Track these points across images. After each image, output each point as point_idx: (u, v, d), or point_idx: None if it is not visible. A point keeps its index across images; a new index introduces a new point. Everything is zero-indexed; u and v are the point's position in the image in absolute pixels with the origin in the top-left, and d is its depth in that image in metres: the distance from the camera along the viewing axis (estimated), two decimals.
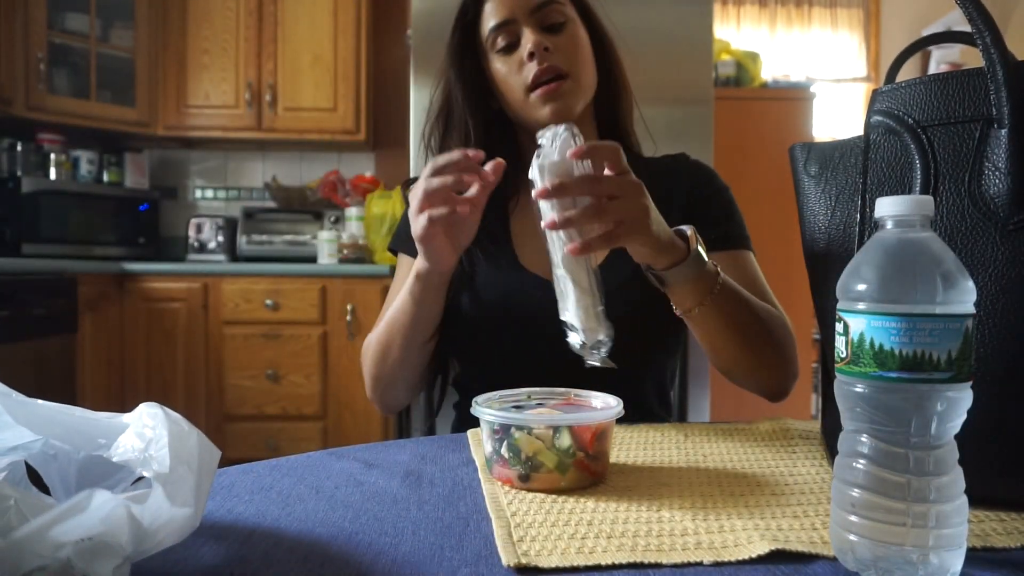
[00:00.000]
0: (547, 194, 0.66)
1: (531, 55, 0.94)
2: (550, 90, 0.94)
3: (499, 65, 0.98)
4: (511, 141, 1.04)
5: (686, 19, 2.29)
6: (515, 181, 1.00)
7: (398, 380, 0.98)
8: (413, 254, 0.95)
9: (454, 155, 0.75)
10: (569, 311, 0.68)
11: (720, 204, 1.03)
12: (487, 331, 0.96)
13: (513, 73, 0.97)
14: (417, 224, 0.78)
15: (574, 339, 0.68)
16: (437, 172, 0.76)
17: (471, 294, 0.98)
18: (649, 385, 1.01)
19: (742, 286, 0.86)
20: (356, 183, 3.24)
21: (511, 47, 0.97)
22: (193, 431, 0.45)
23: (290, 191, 3.41)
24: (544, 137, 0.71)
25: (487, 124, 1.01)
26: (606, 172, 0.70)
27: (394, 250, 1.09)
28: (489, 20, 0.98)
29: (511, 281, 0.98)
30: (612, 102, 1.06)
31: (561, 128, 0.70)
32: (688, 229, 0.77)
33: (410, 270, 0.91)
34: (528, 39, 0.94)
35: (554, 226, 0.67)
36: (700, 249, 0.76)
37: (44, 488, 0.47)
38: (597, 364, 0.68)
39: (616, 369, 0.70)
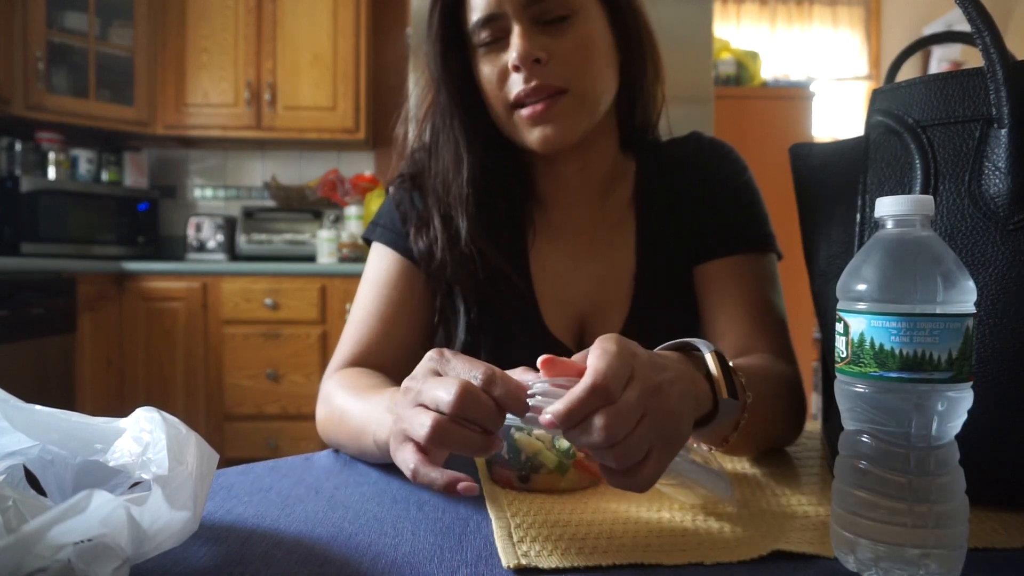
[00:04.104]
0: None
1: (516, 68, 0.74)
2: (536, 113, 0.74)
3: (483, 66, 0.77)
4: (517, 155, 0.84)
5: (686, 17, 2.29)
6: (529, 207, 0.85)
7: None
8: (392, 246, 0.85)
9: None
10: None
11: (732, 204, 0.84)
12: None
13: (495, 81, 0.76)
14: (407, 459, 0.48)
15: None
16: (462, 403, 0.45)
17: (487, 355, 0.81)
18: None
19: (738, 298, 0.80)
20: (355, 182, 3.23)
21: (499, 45, 0.76)
22: (191, 434, 0.45)
23: (289, 190, 3.41)
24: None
25: (486, 141, 0.81)
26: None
27: (368, 239, 0.89)
28: (473, 9, 0.76)
29: (534, 352, 0.80)
30: (638, 106, 0.85)
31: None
32: (710, 361, 0.55)
33: (388, 264, 0.84)
34: (515, 45, 0.73)
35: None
36: (725, 393, 0.55)
37: (42, 493, 0.47)
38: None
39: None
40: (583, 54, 0.75)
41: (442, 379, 0.47)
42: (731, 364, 0.56)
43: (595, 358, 0.44)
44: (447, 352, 0.50)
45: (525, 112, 0.75)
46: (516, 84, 0.74)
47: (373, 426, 0.61)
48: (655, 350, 0.55)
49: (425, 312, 0.85)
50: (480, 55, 0.78)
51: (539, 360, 0.47)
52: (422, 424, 0.45)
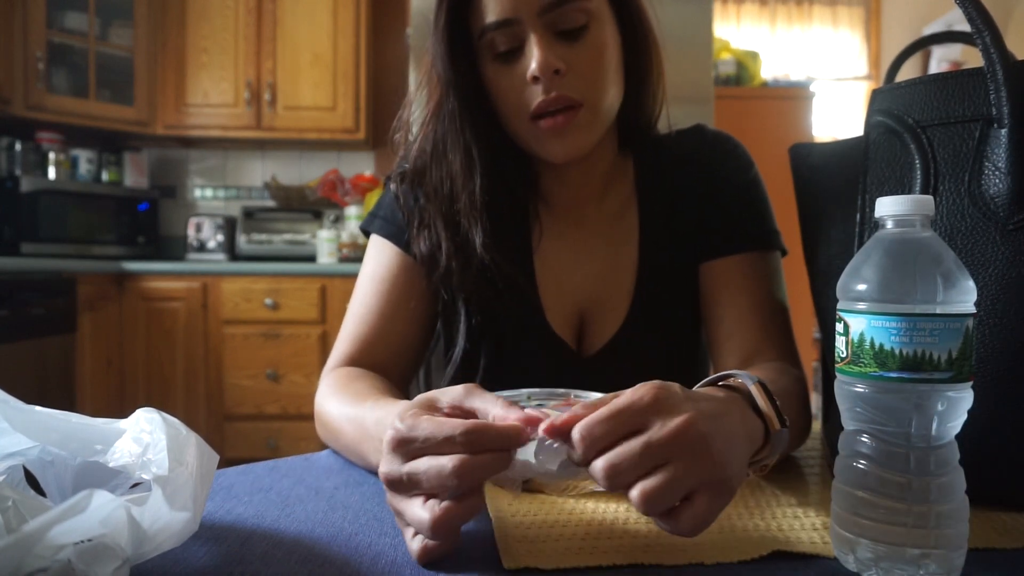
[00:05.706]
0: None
1: (536, 79, 0.72)
2: (558, 125, 0.73)
3: (495, 74, 0.76)
4: (522, 158, 0.83)
5: (686, 17, 2.29)
6: (535, 207, 0.85)
7: None
8: (393, 240, 0.84)
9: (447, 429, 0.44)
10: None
11: (737, 202, 0.84)
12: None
13: (514, 90, 0.75)
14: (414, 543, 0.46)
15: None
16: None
17: (487, 358, 0.83)
18: None
19: (746, 298, 0.80)
20: (355, 182, 3.23)
21: (512, 52, 0.74)
22: (191, 435, 0.45)
23: (289, 190, 3.41)
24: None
25: (494, 146, 0.80)
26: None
27: (367, 231, 0.88)
28: (485, 12, 0.73)
29: (538, 355, 0.76)
30: (640, 104, 0.85)
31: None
32: (757, 395, 0.52)
33: (388, 259, 0.83)
34: (534, 56, 0.71)
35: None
36: (777, 426, 0.52)
37: (42, 493, 0.47)
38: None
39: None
40: (599, 64, 0.75)
41: (420, 503, 0.44)
42: (776, 399, 0.52)
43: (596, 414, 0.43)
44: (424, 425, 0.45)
45: (544, 124, 0.74)
46: (535, 95, 0.73)
47: (370, 446, 0.61)
48: (695, 387, 0.52)
49: (425, 308, 0.84)
50: (489, 60, 0.76)
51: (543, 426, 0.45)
52: (411, 550, 0.46)
